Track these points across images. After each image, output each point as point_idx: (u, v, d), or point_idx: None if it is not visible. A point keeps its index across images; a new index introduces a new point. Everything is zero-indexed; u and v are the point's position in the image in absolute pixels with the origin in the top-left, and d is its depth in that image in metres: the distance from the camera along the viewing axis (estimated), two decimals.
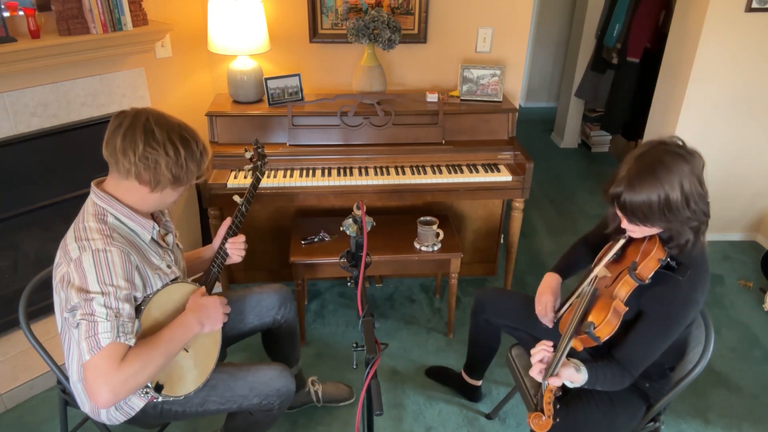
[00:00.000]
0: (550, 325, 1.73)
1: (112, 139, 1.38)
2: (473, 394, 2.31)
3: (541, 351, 1.48)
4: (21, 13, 2.10)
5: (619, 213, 1.45)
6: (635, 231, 1.48)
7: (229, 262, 1.79)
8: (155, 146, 1.36)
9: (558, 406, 1.46)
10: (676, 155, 1.38)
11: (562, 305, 1.72)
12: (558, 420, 1.45)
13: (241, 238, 1.79)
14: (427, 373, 2.46)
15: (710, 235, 3.52)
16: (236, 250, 1.78)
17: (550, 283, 1.79)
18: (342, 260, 1.55)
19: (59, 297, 1.40)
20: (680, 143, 1.42)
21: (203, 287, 1.62)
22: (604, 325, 1.47)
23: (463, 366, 2.30)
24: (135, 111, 1.41)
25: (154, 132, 1.37)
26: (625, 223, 1.48)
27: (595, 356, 1.62)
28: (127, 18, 2.27)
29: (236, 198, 1.80)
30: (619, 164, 1.45)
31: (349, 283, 1.49)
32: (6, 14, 2.06)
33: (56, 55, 2.15)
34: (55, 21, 2.15)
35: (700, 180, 1.40)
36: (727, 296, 3.02)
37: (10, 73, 2.09)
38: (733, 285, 3.12)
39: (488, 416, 2.26)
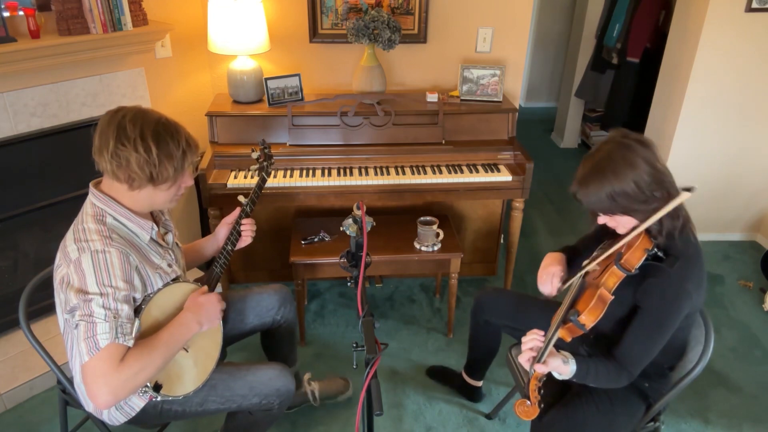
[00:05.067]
0: (552, 295, 1.72)
1: (95, 139, 1.38)
2: (474, 395, 2.31)
3: (532, 339, 1.52)
4: (21, 13, 2.10)
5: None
6: (616, 226, 1.52)
7: (240, 245, 1.79)
8: (125, 143, 1.34)
9: (542, 392, 1.49)
10: (622, 147, 1.43)
11: (567, 280, 1.70)
12: (542, 406, 1.49)
13: (252, 220, 1.81)
14: (427, 372, 2.46)
15: (710, 235, 3.52)
16: (248, 231, 1.79)
17: (556, 257, 1.78)
18: (342, 260, 1.55)
19: (59, 298, 1.40)
20: (626, 134, 1.47)
21: (205, 286, 1.62)
22: (588, 313, 1.48)
23: (464, 366, 2.30)
24: (116, 108, 1.39)
25: (125, 129, 1.34)
26: (600, 219, 1.52)
27: (595, 354, 1.62)
28: (127, 18, 2.27)
29: (241, 198, 1.80)
30: None
31: (349, 283, 1.49)
32: (6, 14, 2.06)
33: (56, 55, 2.15)
34: (55, 21, 2.15)
35: (652, 164, 1.42)
36: (727, 296, 3.02)
37: (10, 73, 2.10)
38: (733, 285, 3.12)
39: (488, 416, 2.26)
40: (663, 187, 1.42)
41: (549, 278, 1.72)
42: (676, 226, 1.46)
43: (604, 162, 1.42)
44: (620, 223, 1.50)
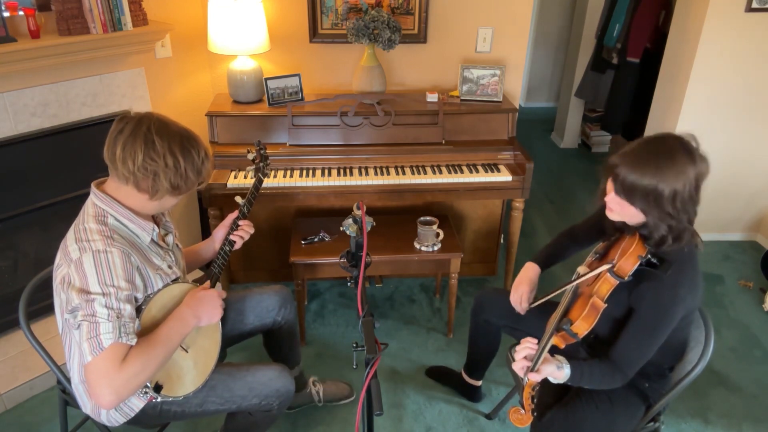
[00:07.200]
0: (522, 313, 1.82)
1: (112, 145, 1.37)
2: (473, 394, 2.32)
3: (526, 348, 1.52)
4: (21, 13, 2.10)
5: (610, 182, 1.47)
6: (615, 209, 1.49)
7: (234, 247, 1.77)
8: (155, 157, 1.36)
9: (536, 400, 1.51)
10: (686, 152, 1.39)
11: (538, 299, 1.78)
12: (536, 414, 1.49)
13: (249, 222, 1.77)
14: (427, 373, 2.46)
15: (710, 235, 3.52)
16: (242, 232, 1.75)
17: (528, 274, 1.87)
18: (342, 260, 1.55)
19: (59, 298, 1.40)
20: (695, 144, 1.43)
21: (207, 282, 1.62)
22: (581, 321, 1.48)
23: (463, 366, 2.30)
24: (138, 117, 1.39)
25: (154, 142, 1.36)
26: (609, 197, 1.48)
27: (594, 356, 1.62)
28: (127, 18, 2.27)
29: (238, 199, 1.80)
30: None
31: (349, 283, 1.49)
32: (6, 14, 2.05)
33: (56, 55, 2.15)
34: (55, 21, 2.15)
35: (697, 185, 1.41)
36: (727, 296, 3.02)
37: (10, 73, 2.09)
38: (733, 285, 3.12)
39: (488, 416, 2.26)
40: (685, 210, 1.41)
41: (518, 299, 1.81)
42: (672, 243, 1.45)
43: (663, 155, 1.38)
44: (626, 213, 1.47)
